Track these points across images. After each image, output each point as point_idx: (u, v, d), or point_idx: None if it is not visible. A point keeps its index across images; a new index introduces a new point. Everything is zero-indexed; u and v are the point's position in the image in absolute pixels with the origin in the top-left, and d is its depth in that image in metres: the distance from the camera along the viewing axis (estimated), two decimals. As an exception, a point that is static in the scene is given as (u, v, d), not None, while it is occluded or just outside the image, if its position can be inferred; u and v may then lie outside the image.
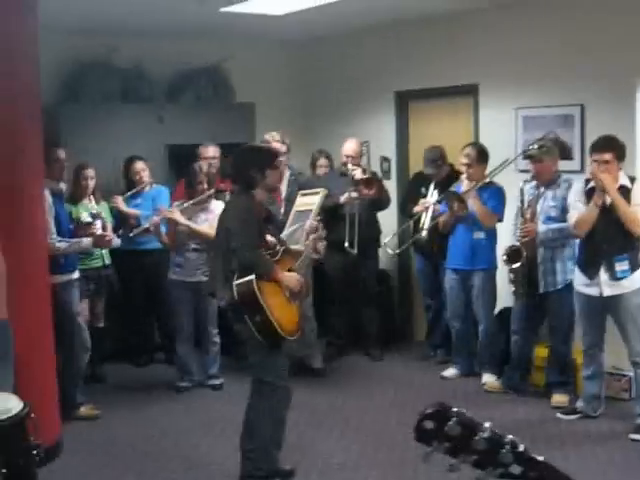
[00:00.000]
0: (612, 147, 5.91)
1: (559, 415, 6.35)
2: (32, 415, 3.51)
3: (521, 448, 1.75)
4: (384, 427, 6.38)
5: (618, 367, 6.69)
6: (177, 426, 6.50)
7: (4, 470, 3.26)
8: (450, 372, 7.55)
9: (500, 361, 7.24)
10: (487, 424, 1.75)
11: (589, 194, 6.01)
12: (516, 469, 1.75)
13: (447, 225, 7.26)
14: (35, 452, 3.51)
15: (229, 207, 5.42)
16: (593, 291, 6.02)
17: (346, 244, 7.55)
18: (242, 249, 4.99)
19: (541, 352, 7.04)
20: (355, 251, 7.55)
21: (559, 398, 6.62)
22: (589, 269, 6.02)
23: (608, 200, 5.87)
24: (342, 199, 7.66)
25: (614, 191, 5.83)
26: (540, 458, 1.77)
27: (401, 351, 8.46)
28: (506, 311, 7.22)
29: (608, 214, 5.88)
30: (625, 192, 5.90)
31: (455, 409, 1.76)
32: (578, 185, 6.18)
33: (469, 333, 7.45)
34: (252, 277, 4.93)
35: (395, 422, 6.48)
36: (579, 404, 6.33)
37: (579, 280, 6.14)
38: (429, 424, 1.75)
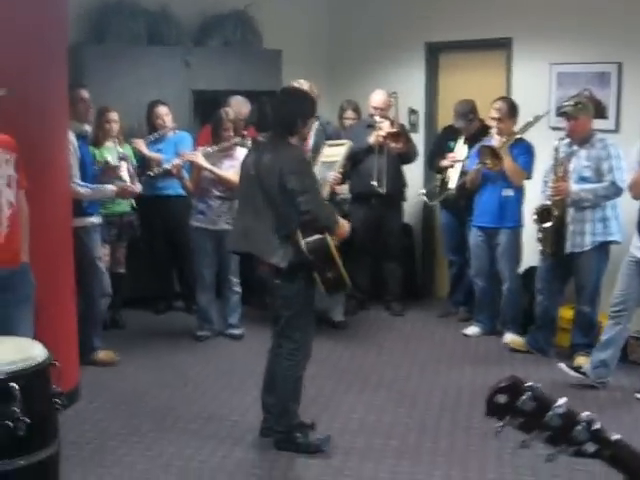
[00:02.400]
0: None
1: (560, 365, 6.24)
2: (55, 363, 3.44)
3: (597, 425, 1.68)
4: (405, 383, 6.33)
5: (644, 332, 6.60)
6: (196, 375, 6.45)
7: (27, 419, 3.20)
8: (472, 330, 7.47)
9: (523, 321, 7.16)
10: (562, 400, 1.68)
11: None
12: (591, 447, 1.68)
13: (475, 182, 7.13)
14: (57, 400, 3.45)
15: (277, 157, 4.83)
16: None
17: (374, 182, 7.49)
18: (315, 205, 4.79)
19: (567, 313, 6.95)
20: (383, 190, 7.50)
21: (581, 360, 6.51)
22: None
23: None
24: (371, 139, 7.61)
25: None
26: (616, 436, 1.70)
27: (422, 307, 8.39)
28: (531, 270, 7.12)
29: None
30: None
31: (529, 383, 1.68)
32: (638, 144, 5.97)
33: (493, 291, 7.35)
34: (324, 233, 4.83)
35: (416, 378, 6.43)
36: (585, 367, 6.18)
37: (634, 241, 5.95)
38: (501, 398, 1.67)
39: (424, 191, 7.77)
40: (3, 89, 4.66)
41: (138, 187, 6.97)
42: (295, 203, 4.76)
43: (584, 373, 6.14)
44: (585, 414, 1.68)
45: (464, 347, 7.18)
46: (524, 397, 1.66)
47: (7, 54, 5.06)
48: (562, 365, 6.25)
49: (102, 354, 6.60)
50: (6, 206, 4.64)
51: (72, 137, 6.09)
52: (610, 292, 6.16)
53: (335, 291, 5.29)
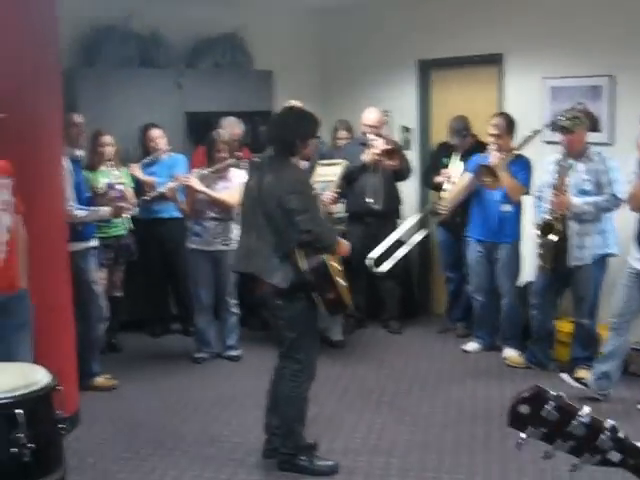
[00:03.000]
0: None
1: (563, 376, 6.24)
2: (59, 387, 3.41)
3: (621, 434, 1.67)
4: (406, 400, 6.30)
5: (644, 343, 6.60)
6: (195, 398, 6.42)
7: (31, 445, 3.17)
8: (472, 346, 7.46)
9: (522, 336, 7.15)
10: (587, 409, 1.68)
11: None
12: (615, 456, 1.67)
13: (462, 195, 7.16)
14: (61, 425, 3.42)
15: (277, 178, 4.82)
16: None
17: (368, 199, 7.52)
18: (315, 224, 4.76)
19: (565, 327, 6.94)
20: (379, 207, 7.52)
21: (583, 373, 6.49)
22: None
23: None
24: (365, 158, 7.62)
25: None
26: None
27: (420, 324, 8.37)
28: (530, 285, 7.11)
29: None
30: None
31: (553, 393, 1.68)
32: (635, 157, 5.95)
33: (492, 306, 7.33)
34: (323, 254, 4.82)
35: (417, 395, 6.41)
36: (588, 379, 6.15)
37: (632, 252, 5.95)
38: (524, 408, 1.67)
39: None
40: (1, 114, 4.65)
41: (133, 208, 6.95)
42: (294, 222, 4.74)
43: (586, 384, 6.13)
44: (609, 422, 1.67)
45: (464, 363, 7.16)
46: (548, 407, 1.65)
47: (1, 79, 5.05)
48: (564, 375, 6.24)
49: (101, 379, 6.56)
50: (4, 231, 4.62)
51: (66, 162, 6.07)
52: (607, 304, 6.17)
53: (336, 312, 5.30)
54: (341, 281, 4.98)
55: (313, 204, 4.89)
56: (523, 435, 1.67)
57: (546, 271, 6.57)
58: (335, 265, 4.98)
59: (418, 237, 7.53)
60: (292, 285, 4.78)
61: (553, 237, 6.40)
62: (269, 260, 4.82)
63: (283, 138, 4.92)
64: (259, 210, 4.86)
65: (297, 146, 4.91)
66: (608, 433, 1.65)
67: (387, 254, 7.28)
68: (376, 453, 5.32)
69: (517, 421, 1.68)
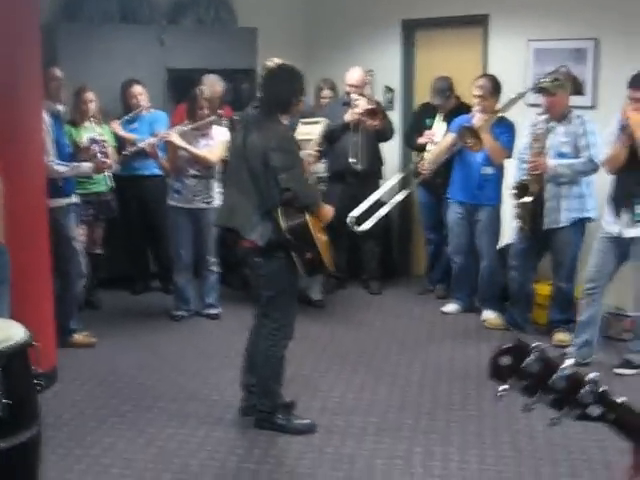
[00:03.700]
0: None
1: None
2: (35, 344, 3.39)
3: (603, 387, 1.67)
4: (383, 360, 6.33)
5: (621, 307, 6.62)
6: (174, 355, 6.42)
7: (7, 400, 3.16)
8: (450, 307, 7.48)
9: (501, 298, 7.17)
10: (570, 361, 1.66)
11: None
12: (595, 410, 1.67)
13: (442, 155, 7.15)
14: (37, 381, 3.41)
15: (263, 135, 4.80)
16: (614, 229, 5.88)
17: (351, 159, 7.49)
18: (296, 183, 4.76)
19: (543, 290, 6.97)
20: (360, 166, 7.51)
21: (561, 336, 6.54)
22: (614, 207, 5.87)
23: None
24: (347, 117, 7.59)
25: None
26: (621, 399, 1.69)
27: (400, 285, 8.39)
28: (508, 248, 7.11)
29: (636, 154, 5.68)
30: None
31: (535, 344, 1.66)
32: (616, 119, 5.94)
33: (471, 268, 7.35)
34: (305, 213, 4.80)
35: (395, 355, 6.44)
36: (569, 349, 6.17)
37: (605, 217, 5.97)
38: (505, 360, 1.65)
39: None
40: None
41: (114, 164, 6.90)
42: (277, 180, 4.73)
43: (565, 348, 6.18)
44: (591, 376, 1.66)
45: (442, 324, 7.19)
46: (530, 358, 1.64)
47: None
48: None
49: (79, 336, 6.54)
50: (-19, 186, 4.59)
51: (46, 116, 6.01)
52: (585, 268, 6.19)
53: (314, 272, 5.32)
54: (323, 238, 4.97)
55: (297, 162, 4.87)
56: (504, 387, 1.66)
57: (525, 232, 6.57)
58: (318, 223, 4.96)
59: (399, 197, 7.50)
60: (269, 243, 4.78)
61: (527, 198, 6.40)
62: (250, 217, 4.81)
63: (278, 95, 4.90)
64: (244, 167, 4.85)
65: (292, 103, 4.92)
66: (589, 387, 1.65)
67: (368, 213, 7.26)
68: (353, 413, 5.35)
69: (498, 373, 1.66)
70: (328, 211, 5.13)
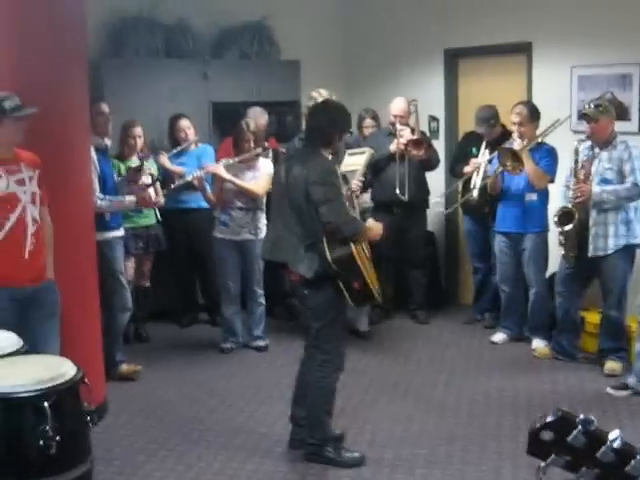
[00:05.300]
0: None
1: (609, 391, 6.08)
2: (85, 380, 3.41)
3: None
4: (432, 391, 6.28)
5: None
6: (222, 388, 6.42)
7: (58, 437, 3.17)
8: (499, 337, 7.41)
9: (550, 327, 7.09)
10: (616, 432, 1.55)
11: None
12: None
13: (495, 185, 7.08)
14: (88, 417, 3.43)
15: (305, 168, 4.82)
16: None
17: (397, 190, 7.48)
18: (336, 215, 4.75)
19: (593, 318, 6.89)
20: (406, 197, 7.48)
21: (612, 365, 6.44)
22: None
23: None
24: (392, 147, 7.58)
25: None
26: None
27: (447, 315, 8.33)
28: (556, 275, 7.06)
29: None
30: None
31: (581, 416, 1.54)
32: None
33: (519, 297, 7.29)
34: (350, 244, 4.80)
35: (443, 386, 6.38)
36: (630, 380, 6.07)
37: None
38: (547, 435, 1.54)
39: (435, 200, 7.75)
40: (33, 107, 4.64)
41: (161, 199, 6.95)
42: (318, 213, 4.75)
43: (632, 388, 6.04)
44: None
45: (491, 354, 7.12)
46: (575, 432, 1.53)
47: (30, 70, 5.08)
48: (609, 390, 6.11)
49: (125, 367, 6.58)
50: (31, 223, 4.65)
51: (92, 151, 6.08)
52: (635, 295, 6.10)
53: (362, 302, 5.30)
54: (370, 270, 4.96)
55: (337, 194, 4.86)
56: (544, 464, 1.55)
57: (569, 259, 6.51)
58: (365, 254, 4.96)
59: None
60: (317, 275, 4.79)
61: (569, 226, 6.35)
62: (296, 250, 4.84)
63: (322, 129, 4.93)
64: (286, 200, 4.89)
65: (334, 139, 4.96)
66: (639, 458, 1.54)
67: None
68: (402, 445, 5.30)
69: (538, 448, 1.55)
70: (377, 228, 5.15)
